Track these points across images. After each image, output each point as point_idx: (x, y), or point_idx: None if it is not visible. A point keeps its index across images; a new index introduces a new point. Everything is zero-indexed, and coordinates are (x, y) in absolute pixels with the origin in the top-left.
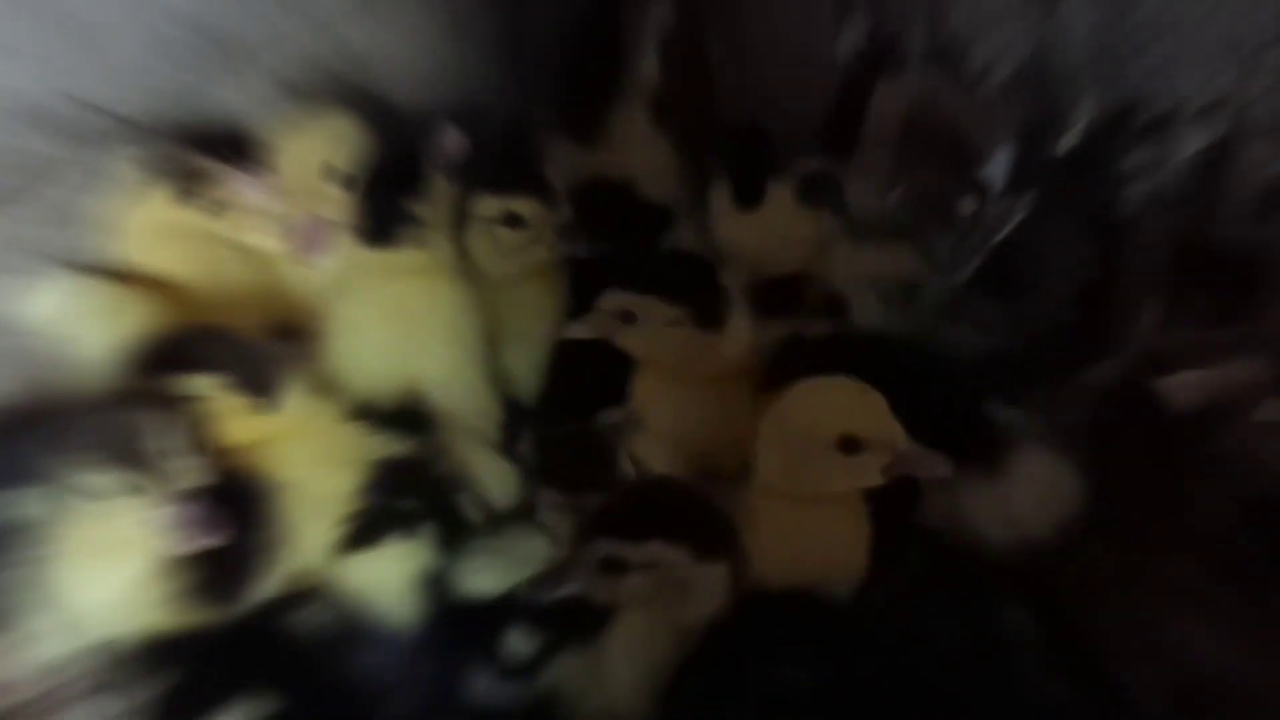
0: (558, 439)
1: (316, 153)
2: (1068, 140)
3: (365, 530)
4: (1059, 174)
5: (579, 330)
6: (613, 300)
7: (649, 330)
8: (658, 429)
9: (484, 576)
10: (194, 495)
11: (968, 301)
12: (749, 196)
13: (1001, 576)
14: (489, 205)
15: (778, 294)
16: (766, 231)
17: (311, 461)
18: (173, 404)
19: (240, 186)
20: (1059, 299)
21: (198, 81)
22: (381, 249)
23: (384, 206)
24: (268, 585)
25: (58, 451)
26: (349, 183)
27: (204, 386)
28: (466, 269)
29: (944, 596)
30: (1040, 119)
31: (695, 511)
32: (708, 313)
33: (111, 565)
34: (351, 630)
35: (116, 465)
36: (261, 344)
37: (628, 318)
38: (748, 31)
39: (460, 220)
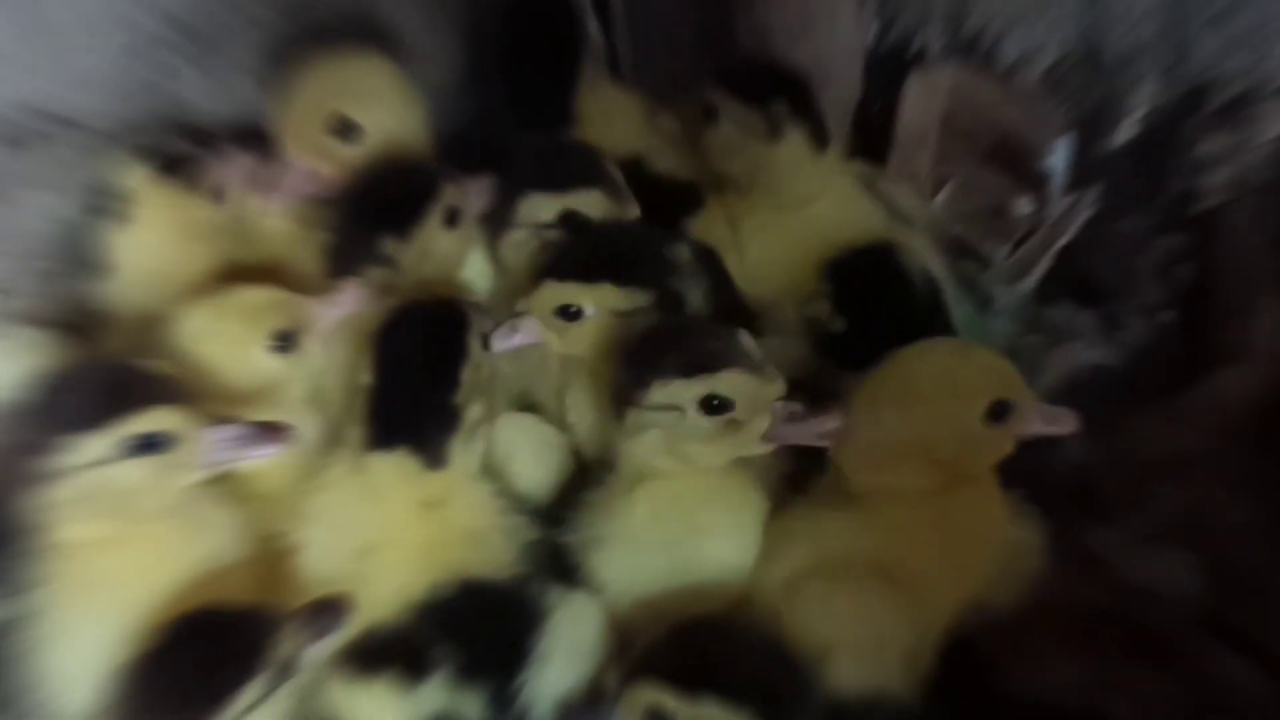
0: None
1: (326, 99)
2: (1126, 129)
3: (363, 656)
4: (1125, 165)
5: (505, 340)
6: (552, 294)
7: (598, 324)
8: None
9: None
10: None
11: (1045, 310)
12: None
13: None
14: (542, 206)
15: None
16: (842, 180)
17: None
18: None
19: (231, 170)
20: (1154, 302)
21: (166, 77)
22: None
23: (354, 242)
24: None
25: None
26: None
27: None
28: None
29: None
30: (1095, 108)
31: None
32: (670, 295)
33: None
34: None
35: None
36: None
37: (571, 314)
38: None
39: (493, 226)
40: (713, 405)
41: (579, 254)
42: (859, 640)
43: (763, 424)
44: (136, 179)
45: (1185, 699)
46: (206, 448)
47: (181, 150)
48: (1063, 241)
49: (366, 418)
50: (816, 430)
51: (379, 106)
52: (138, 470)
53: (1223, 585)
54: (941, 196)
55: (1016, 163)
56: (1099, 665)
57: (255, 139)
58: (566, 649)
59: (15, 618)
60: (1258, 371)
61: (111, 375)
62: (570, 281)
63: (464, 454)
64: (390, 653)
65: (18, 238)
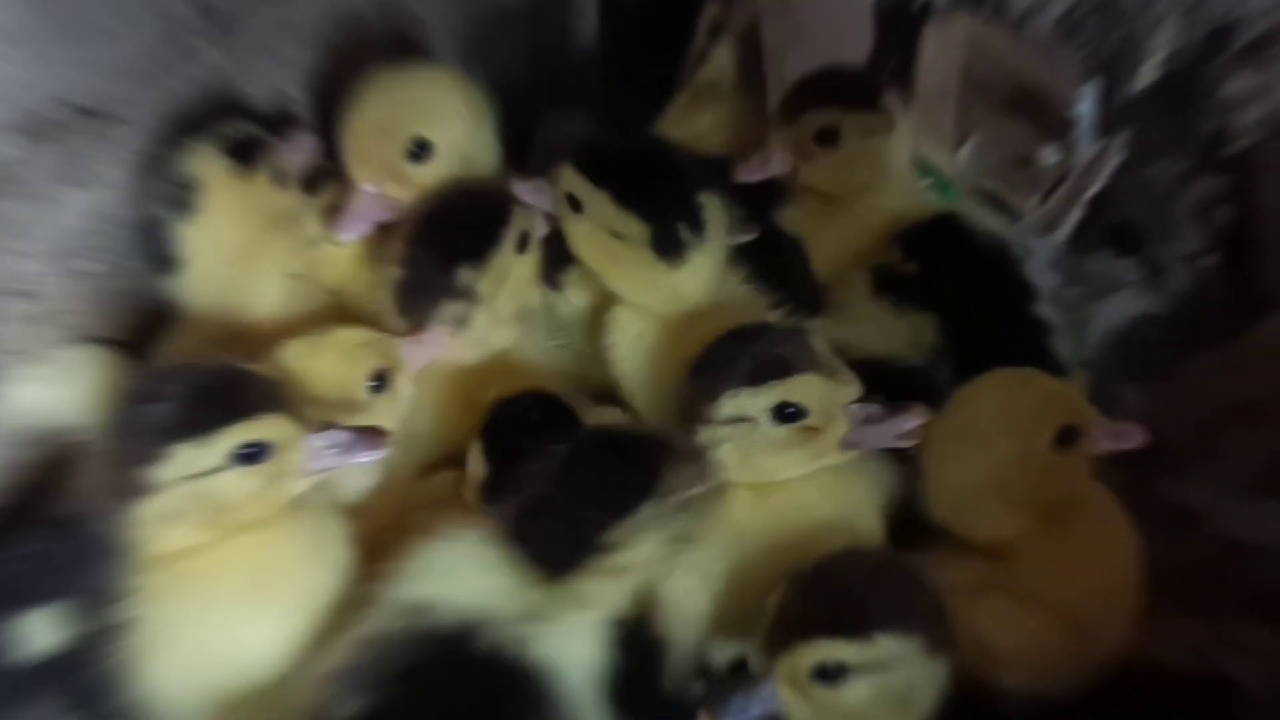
0: None
1: (401, 121)
2: (1149, 72)
3: None
4: (1152, 109)
5: (523, 190)
6: (568, 178)
7: (591, 229)
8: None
9: None
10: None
11: (1083, 261)
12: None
13: None
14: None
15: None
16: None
17: None
18: None
19: (293, 152)
20: (1195, 248)
21: (194, 62)
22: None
23: (428, 276)
24: None
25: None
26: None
27: None
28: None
29: None
30: (1114, 52)
31: (917, 594)
32: (668, 238)
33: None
34: None
35: None
36: None
37: (575, 204)
38: None
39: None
40: (785, 413)
41: (606, 154)
42: (1027, 656)
43: (840, 429)
44: (204, 166)
45: None
46: (309, 455)
47: (243, 134)
48: (1094, 189)
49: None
50: (896, 431)
51: (454, 124)
52: (243, 480)
53: None
54: (966, 150)
55: (1038, 111)
56: (1216, 625)
57: (285, 124)
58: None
59: (113, 628)
60: None
61: (214, 380)
62: (582, 176)
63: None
64: None
65: (50, 237)
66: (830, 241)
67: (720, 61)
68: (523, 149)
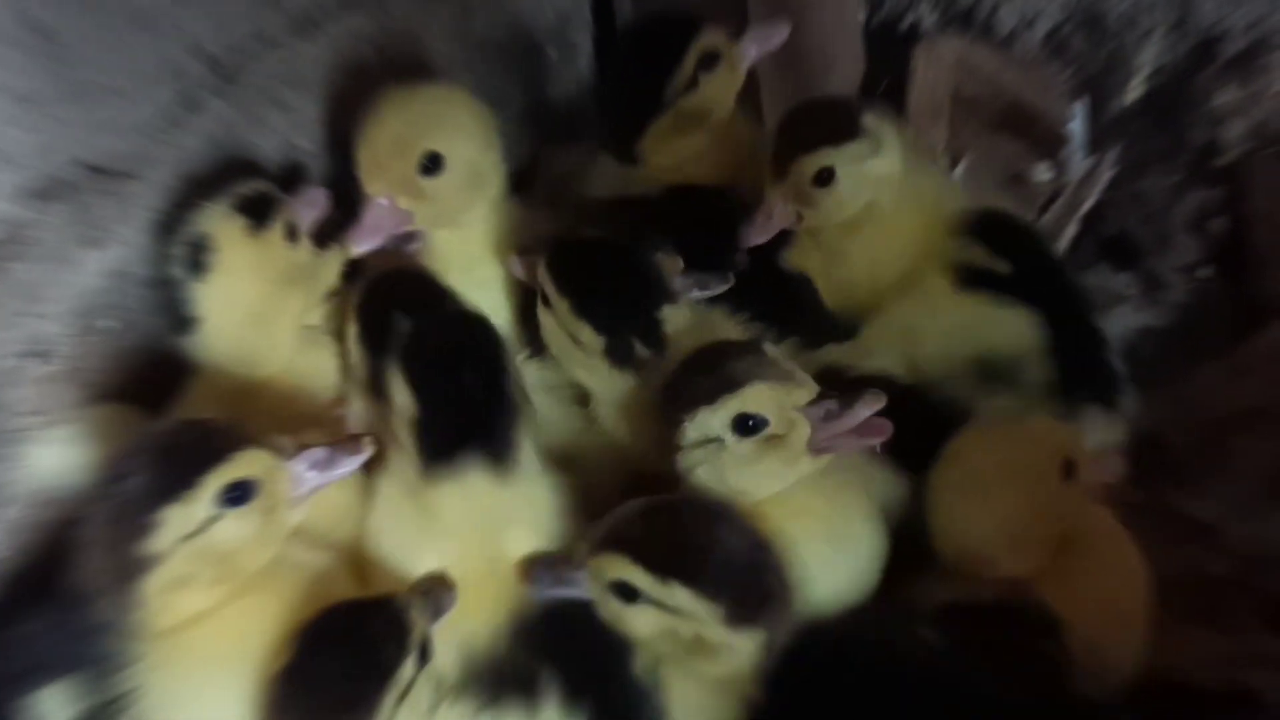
0: None
1: (415, 135)
2: (1135, 87)
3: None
4: (1142, 124)
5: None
6: (541, 274)
7: (554, 326)
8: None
9: None
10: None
11: (1082, 276)
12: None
13: None
14: None
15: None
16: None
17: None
18: None
19: (305, 208)
20: (1191, 259)
21: (206, 118)
22: None
23: None
24: None
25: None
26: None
27: None
28: None
29: None
30: (1102, 69)
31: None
32: (622, 352)
33: None
34: None
35: None
36: None
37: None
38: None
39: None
40: (747, 425)
41: (573, 258)
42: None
43: (802, 432)
44: (218, 225)
45: None
46: (294, 480)
47: (255, 191)
48: (1089, 205)
49: None
50: (854, 422)
51: (465, 140)
52: (239, 523)
53: None
54: (961, 168)
55: (1030, 129)
56: (1236, 638)
57: (296, 177)
58: None
59: (121, 701)
60: None
61: (178, 437)
62: (549, 277)
63: None
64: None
65: (68, 298)
66: (864, 261)
67: (712, 91)
68: (523, 184)
